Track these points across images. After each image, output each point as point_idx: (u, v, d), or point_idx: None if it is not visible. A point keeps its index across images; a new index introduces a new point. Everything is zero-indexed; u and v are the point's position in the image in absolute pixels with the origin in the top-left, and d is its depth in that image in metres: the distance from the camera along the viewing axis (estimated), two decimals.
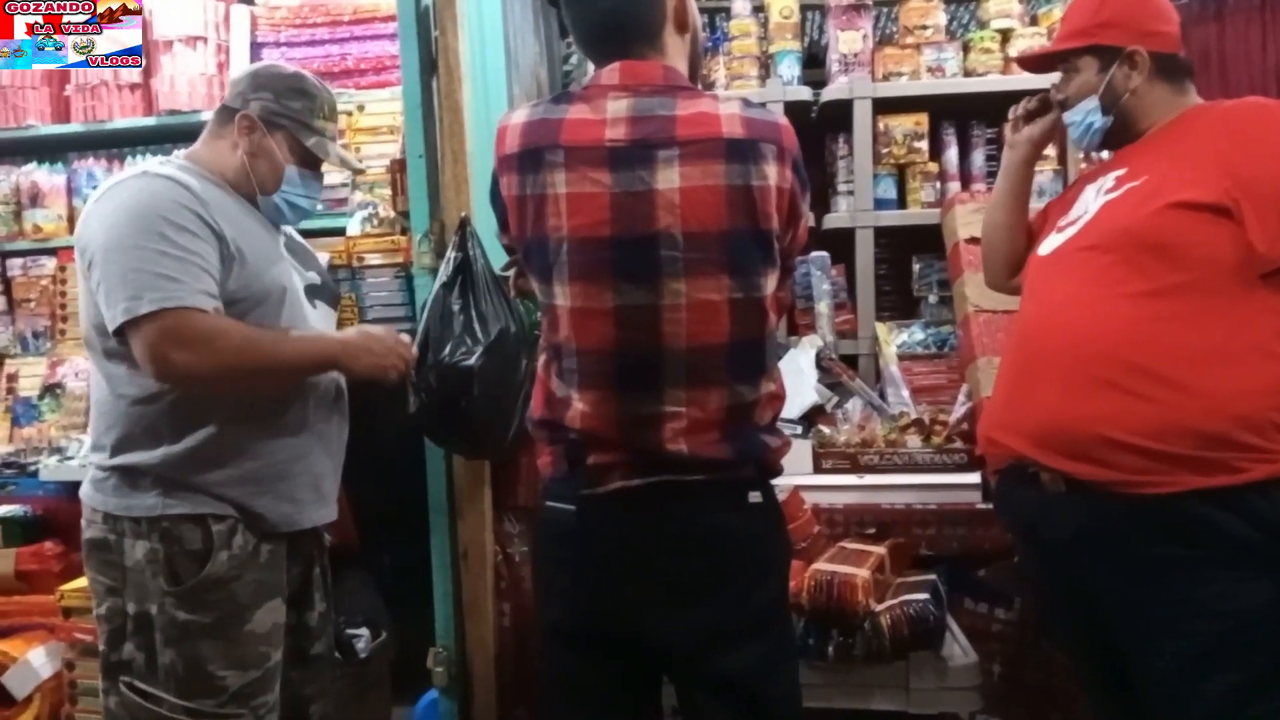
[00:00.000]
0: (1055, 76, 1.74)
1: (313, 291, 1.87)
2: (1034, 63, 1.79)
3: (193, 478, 1.63)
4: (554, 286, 1.36)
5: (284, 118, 1.77)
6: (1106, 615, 1.51)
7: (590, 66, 1.48)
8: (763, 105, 1.42)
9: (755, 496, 1.42)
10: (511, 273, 1.74)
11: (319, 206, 2.06)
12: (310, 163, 1.83)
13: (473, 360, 1.95)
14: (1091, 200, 1.61)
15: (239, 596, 1.66)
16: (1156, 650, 1.43)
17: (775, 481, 1.49)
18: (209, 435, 1.64)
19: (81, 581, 2.42)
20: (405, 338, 1.88)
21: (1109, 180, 1.60)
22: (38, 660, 2.42)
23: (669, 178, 1.31)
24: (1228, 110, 1.54)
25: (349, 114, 2.91)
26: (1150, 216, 1.46)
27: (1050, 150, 2.81)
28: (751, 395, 1.39)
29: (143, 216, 1.57)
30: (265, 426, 1.70)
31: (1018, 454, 1.55)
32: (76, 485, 2.54)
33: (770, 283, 1.40)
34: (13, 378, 3.14)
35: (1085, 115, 1.66)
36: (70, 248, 3.22)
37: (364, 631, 2.33)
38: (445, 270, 2.09)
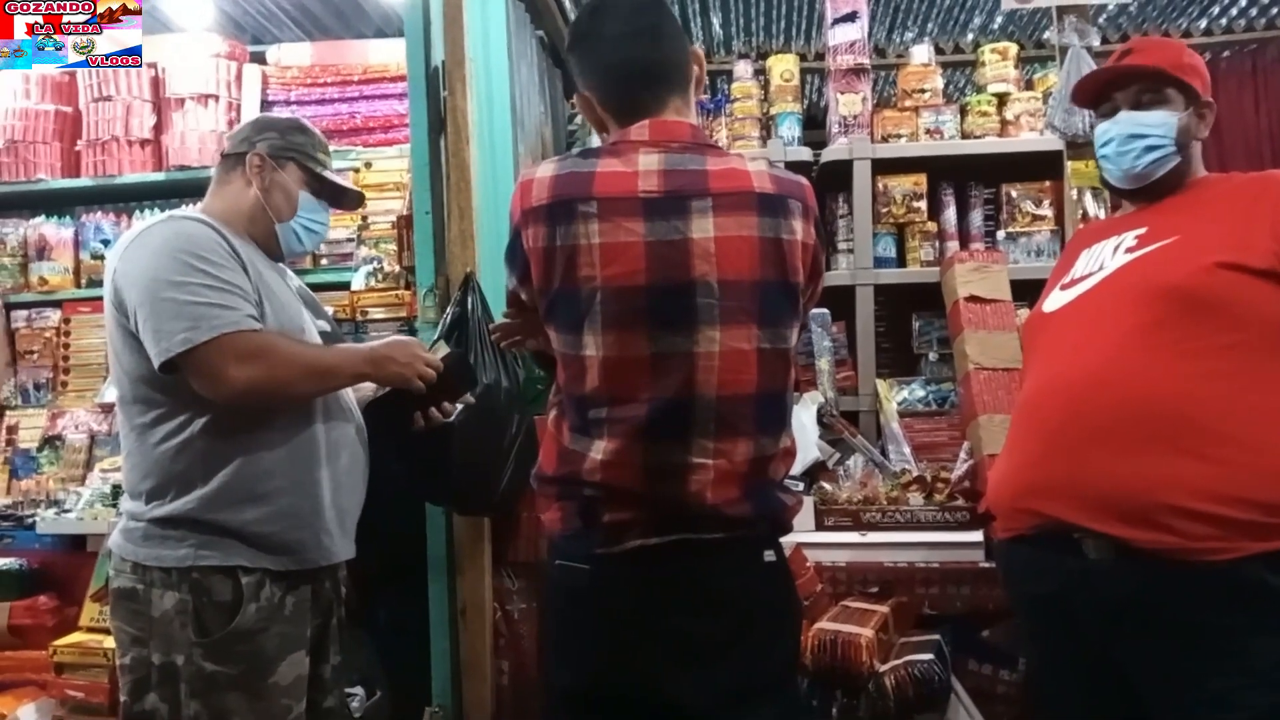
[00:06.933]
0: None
1: (324, 338, 1.89)
2: (1110, 77, 1.67)
3: (229, 519, 1.64)
4: (584, 337, 1.34)
5: (291, 151, 1.85)
6: (1145, 687, 1.44)
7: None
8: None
9: (770, 555, 1.41)
10: (497, 321, 1.70)
11: (328, 234, 2.15)
12: (318, 193, 1.90)
13: (452, 417, 1.94)
14: (1109, 257, 1.59)
15: (265, 649, 1.66)
16: None
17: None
18: (243, 473, 1.66)
19: (75, 637, 2.40)
20: (427, 345, 1.89)
21: (1129, 239, 1.58)
22: (27, 717, 2.38)
23: (704, 227, 1.33)
24: (1264, 180, 1.54)
25: (356, 170, 2.96)
26: (1200, 274, 1.44)
27: (1047, 210, 2.85)
28: (772, 449, 1.39)
29: (182, 254, 1.63)
30: (299, 462, 1.71)
31: (1057, 519, 1.46)
32: (74, 539, 2.57)
33: (794, 336, 1.41)
34: (12, 429, 3.14)
35: (1158, 138, 1.59)
36: (75, 300, 3.25)
37: (359, 690, 2.29)
38: (442, 325, 2.10)
